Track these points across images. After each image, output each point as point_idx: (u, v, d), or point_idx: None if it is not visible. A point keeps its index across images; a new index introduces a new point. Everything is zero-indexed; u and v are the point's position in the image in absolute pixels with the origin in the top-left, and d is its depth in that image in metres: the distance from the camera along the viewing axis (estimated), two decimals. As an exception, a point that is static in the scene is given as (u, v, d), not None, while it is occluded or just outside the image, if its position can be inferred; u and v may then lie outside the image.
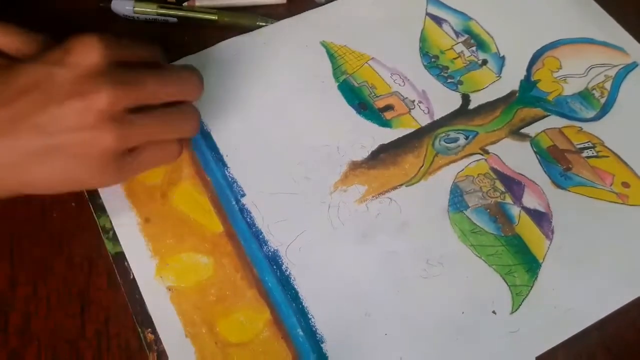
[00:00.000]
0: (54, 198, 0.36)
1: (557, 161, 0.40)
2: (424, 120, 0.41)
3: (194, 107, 0.34)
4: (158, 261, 0.34)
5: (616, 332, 0.34)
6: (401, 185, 0.38)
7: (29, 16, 0.45)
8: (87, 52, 0.29)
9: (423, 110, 0.42)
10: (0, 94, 0.29)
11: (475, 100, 0.42)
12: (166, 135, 0.33)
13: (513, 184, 0.39)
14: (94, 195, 0.37)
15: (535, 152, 0.40)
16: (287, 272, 0.35)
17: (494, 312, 0.34)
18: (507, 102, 0.42)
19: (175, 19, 0.45)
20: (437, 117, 0.41)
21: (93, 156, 0.29)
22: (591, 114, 0.42)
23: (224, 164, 0.39)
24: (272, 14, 0.46)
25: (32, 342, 0.33)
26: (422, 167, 0.39)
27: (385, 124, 0.41)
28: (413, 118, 0.41)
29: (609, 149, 0.40)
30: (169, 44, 0.44)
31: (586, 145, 0.41)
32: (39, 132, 0.28)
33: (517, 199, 0.38)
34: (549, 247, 0.36)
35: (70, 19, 0.45)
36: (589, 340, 0.34)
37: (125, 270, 0.34)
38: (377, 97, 0.42)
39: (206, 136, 0.40)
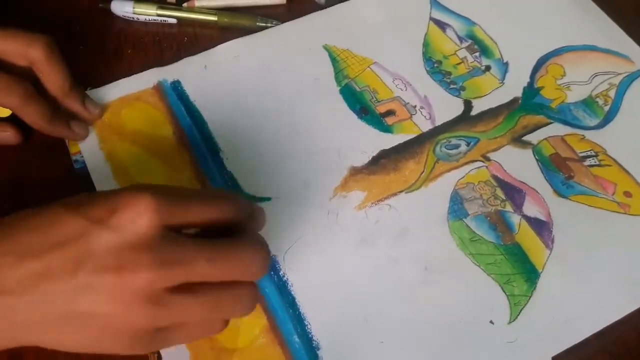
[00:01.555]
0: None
1: (559, 169, 0.39)
2: (426, 126, 0.41)
3: (253, 287, 0.28)
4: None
5: (618, 336, 0.34)
6: (401, 191, 0.38)
7: (28, 16, 0.45)
8: (135, 217, 0.24)
9: (425, 116, 0.41)
10: (31, 241, 0.25)
11: (478, 107, 0.42)
12: (210, 316, 0.28)
13: (514, 192, 0.38)
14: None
15: (537, 160, 0.40)
16: (285, 278, 0.35)
17: (491, 321, 0.34)
18: (509, 108, 0.42)
19: (174, 20, 0.45)
20: (438, 123, 0.41)
21: (122, 332, 0.25)
22: (594, 122, 0.42)
23: (224, 168, 0.38)
24: (272, 15, 0.46)
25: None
26: (422, 173, 0.39)
27: (387, 129, 0.41)
28: (414, 124, 0.41)
29: (611, 157, 0.40)
30: (169, 45, 0.44)
31: (589, 153, 0.40)
32: (65, 296, 0.24)
33: (518, 207, 0.38)
34: (548, 257, 0.36)
35: (70, 19, 0.45)
36: (590, 345, 0.34)
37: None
38: (378, 102, 0.42)
39: (207, 140, 0.40)
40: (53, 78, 0.36)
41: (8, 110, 0.36)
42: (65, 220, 0.25)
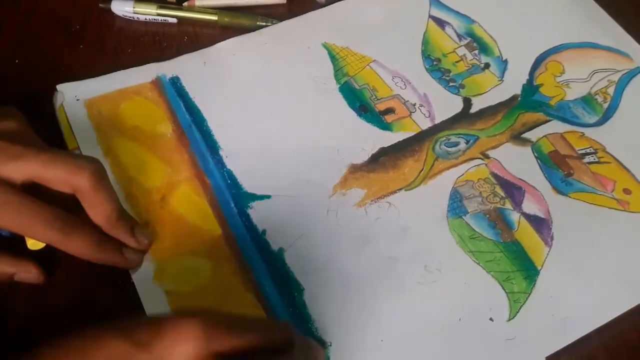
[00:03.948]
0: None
1: (558, 167, 0.39)
2: (425, 124, 0.41)
3: None
4: (156, 265, 0.34)
5: (616, 334, 0.34)
6: (400, 189, 0.38)
7: (29, 17, 0.45)
8: (181, 344, 0.24)
9: (424, 114, 0.42)
10: None
11: (477, 104, 0.42)
12: None
13: (513, 190, 0.38)
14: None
15: (536, 158, 0.40)
16: (286, 276, 0.35)
17: (491, 319, 0.34)
18: (509, 106, 0.42)
19: (175, 20, 0.45)
20: (438, 120, 0.41)
21: None
22: (593, 119, 0.42)
23: (224, 166, 0.38)
24: (272, 14, 0.46)
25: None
26: (422, 171, 0.39)
27: (386, 127, 0.41)
28: (414, 121, 0.41)
29: (610, 154, 0.40)
30: (169, 45, 0.45)
31: (588, 150, 0.40)
32: None
33: (517, 205, 0.38)
34: (548, 254, 0.36)
35: (69, 19, 0.45)
36: (589, 343, 0.34)
37: (124, 274, 0.34)
38: (378, 99, 0.42)
39: (206, 137, 0.40)
40: (99, 208, 0.32)
41: (41, 243, 0.33)
42: (108, 343, 0.24)
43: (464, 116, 0.42)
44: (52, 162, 0.30)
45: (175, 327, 0.24)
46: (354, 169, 0.39)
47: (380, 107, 0.42)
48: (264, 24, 0.45)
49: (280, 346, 0.27)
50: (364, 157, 0.39)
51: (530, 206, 0.38)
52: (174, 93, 0.41)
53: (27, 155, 0.30)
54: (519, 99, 0.43)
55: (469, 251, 0.36)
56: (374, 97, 0.42)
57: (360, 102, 0.42)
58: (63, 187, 0.31)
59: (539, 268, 0.35)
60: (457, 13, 0.47)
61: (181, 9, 0.45)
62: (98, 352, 0.24)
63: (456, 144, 0.40)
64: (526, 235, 0.37)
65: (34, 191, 0.31)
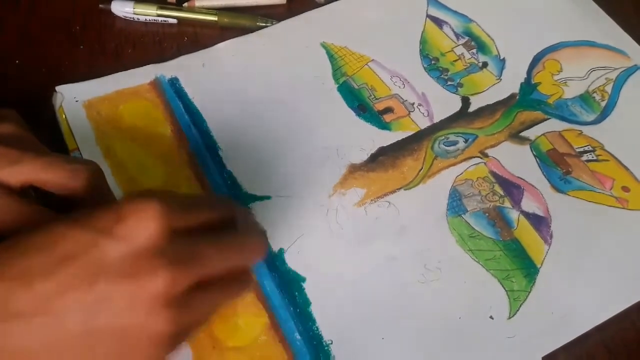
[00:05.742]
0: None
1: (556, 165, 0.40)
2: (424, 123, 0.41)
3: (249, 269, 0.29)
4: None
5: (616, 333, 0.35)
6: (400, 188, 0.38)
7: (29, 17, 0.45)
8: (143, 224, 0.24)
9: (423, 113, 0.42)
10: (38, 261, 0.23)
11: (475, 103, 0.42)
12: (218, 309, 0.27)
13: (512, 188, 0.38)
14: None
15: (534, 156, 0.40)
16: (286, 276, 0.35)
17: (491, 317, 0.34)
18: (507, 105, 0.42)
19: (175, 20, 0.45)
20: (436, 119, 0.41)
21: (142, 343, 0.24)
22: (591, 117, 0.42)
23: (223, 166, 0.39)
24: (272, 15, 0.46)
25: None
26: (421, 170, 0.39)
27: (385, 126, 0.41)
28: (412, 121, 0.41)
29: (609, 152, 0.40)
30: (169, 45, 0.45)
31: (586, 148, 0.40)
32: (82, 312, 0.23)
33: (516, 203, 0.38)
34: (547, 252, 0.36)
35: (69, 19, 0.45)
36: (589, 341, 0.34)
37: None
38: (376, 99, 0.42)
39: (205, 137, 0.40)
40: None
41: None
42: (70, 235, 0.24)
43: (463, 115, 0.42)
44: (49, 166, 0.30)
45: (135, 210, 0.24)
46: (354, 169, 0.39)
47: (379, 106, 0.42)
48: (264, 24, 0.45)
49: (225, 219, 0.28)
50: (363, 156, 0.40)
51: (529, 204, 0.38)
52: (173, 94, 0.41)
53: (25, 159, 0.30)
54: (517, 97, 0.43)
55: (468, 250, 0.36)
56: (373, 96, 0.42)
57: (358, 101, 0.42)
58: (61, 191, 0.31)
59: (538, 266, 0.36)
60: (455, 12, 0.47)
61: (181, 9, 0.45)
62: (61, 245, 0.24)
63: (455, 143, 0.40)
64: (525, 233, 0.37)
65: (34, 193, 0.31)
